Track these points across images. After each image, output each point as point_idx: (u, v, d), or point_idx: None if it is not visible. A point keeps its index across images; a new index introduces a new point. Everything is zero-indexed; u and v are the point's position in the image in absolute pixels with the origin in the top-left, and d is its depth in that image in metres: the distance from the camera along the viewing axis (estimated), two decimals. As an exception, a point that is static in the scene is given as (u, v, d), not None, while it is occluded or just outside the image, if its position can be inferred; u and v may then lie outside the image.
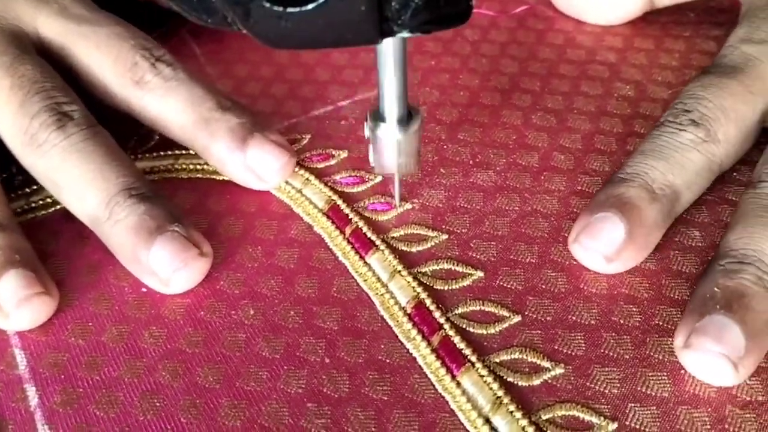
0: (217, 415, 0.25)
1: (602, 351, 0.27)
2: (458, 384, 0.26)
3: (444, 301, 0.28)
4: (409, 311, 0.28)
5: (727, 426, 0.25)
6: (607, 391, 0.26)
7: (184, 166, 0.34)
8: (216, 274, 0.30)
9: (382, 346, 0.27)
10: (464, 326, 0.27)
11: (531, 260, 0.29)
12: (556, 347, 0.27)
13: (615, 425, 0.25)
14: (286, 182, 0.33)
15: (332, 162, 0.34)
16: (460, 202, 0.32)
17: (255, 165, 0.31)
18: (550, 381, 0.26)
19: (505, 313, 0.28)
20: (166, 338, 0.28)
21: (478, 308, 0.28)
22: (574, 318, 0.28)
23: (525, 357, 0.26)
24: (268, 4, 0.21)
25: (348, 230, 0.31)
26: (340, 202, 0.32)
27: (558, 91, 0.37)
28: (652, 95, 0.37)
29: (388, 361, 0.27)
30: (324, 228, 0.31)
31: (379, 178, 0.33)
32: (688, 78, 0.37)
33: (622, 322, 0.27)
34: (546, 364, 0.26)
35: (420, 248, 0.30)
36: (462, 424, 0.25)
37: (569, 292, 0.28)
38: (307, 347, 0.27)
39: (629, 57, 0.39)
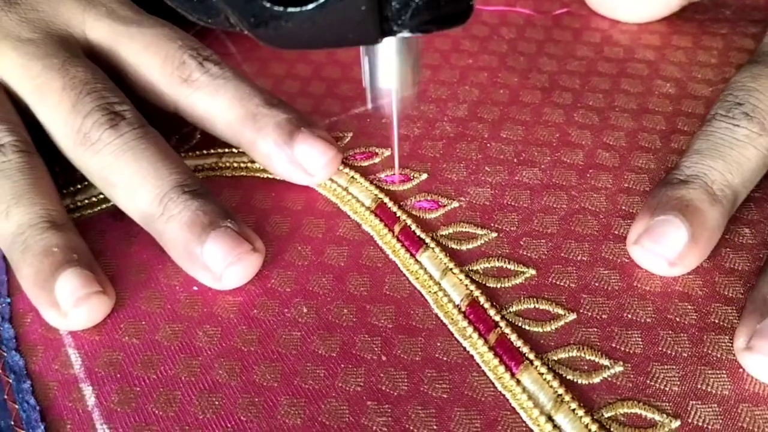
0: (277, 413, 0.25)
1: (660, 349, 0.27)
2: (518, 382, 0.26)
3: (498, 299, 0.28)
4: (463, 309, 0.28)
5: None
6: (667, 389, 0.25)
7: (228, 164, 0.34)
8: (266, 272, 0.30)
9: (439, 344, 0.27)
10: (520, 324, 0.27)
11: (583, 258, 0.29)
12: (613, 345, 0.27)
13: (678, 423, 0.25)
14: (332, 180, 0.33)
15: (376, 160, 0.34)
16: (507, 200, 0.32)
17: (302, 160, 0.31)
18: (609, 379, 0.26)
19: (560, 311, 0.28)
20: (221, 336, 0.28)
21: (532, 306, 0.28)
22: (629, 316, 0.28)
23: (583, 355, 0.26)
24: (268, 4, 0.21)
25: (397, 228, 0.31)
26: (386, 200, 0.32)
27: (598, 88, 0.37)
28: (693, 92, 0.37)
29: (445, 359, 0.27)
30: (372, 226, 0.31)
31: (424, 176, 0.33)
32: (729, 75, 0.37)
33: (678, 320, 0.27)
34: (605, 362, 0.26)
35: (470, 246, 0.30)
36: (524, 422, 0.25)
37: (623, 289, 0.28)
38: (362, 345, 0.27)
39: (668, 55, 0.39)
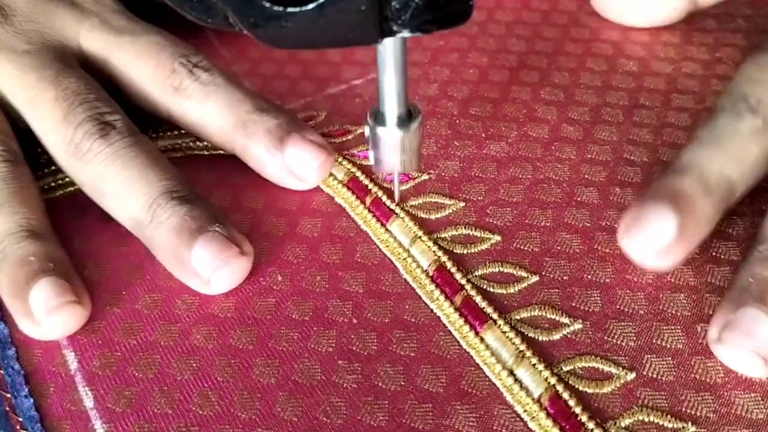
0: (252, 373, 0.27)
1: (618, 307, 0.28)
2: (482, 340, 0.27)
3: (464, 264, 0.29)
4: (431, 274, 0.29)
5: (739, 373, 0.26)
6: (623, 344, 0.27)
7: (205, 144, 0.35)
8: (243, 243, 0.31)
9: (407, 307, 0.28)
10: (485, 287, 0.29)
11: (546, 224, 0.31)
12: (573, 304, 0.28)
13: (633, 375, 0.26)
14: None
15: (350, 137, 0.35)
16: (474, 171, 0.33)
17: (293, 164, 0.32)
18: (569, 335, 0.27)
19: (524, 274, 0.29)
20: (199, 304, 0.29)
21: (497, 270, 0.29)
22: (589, 277, 0.29)
23: (544, 314, 0.28)
24: (268, 4, 0.21)
25: (368, 200, 0.32)
26: (359, 173, 0.33)
27: (565, 67, 0.38)
28: (655, 70, 0.38)
29: (413, 320, 0.28)
30: (345, 198, 0.32)
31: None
32: (690, 54, 0.39)
33: (635, 279, 0.29)
34: (564, 320, 0.28)
35: (438, 215, 0.31)
36: (487, 377, 0.26)
37: (584, 252, 0.30)
38: (334, 309, 0.28)
39: (631, 35, 0.40)
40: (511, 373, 0.26)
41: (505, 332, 0.27)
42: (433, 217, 0.31)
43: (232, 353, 0.27)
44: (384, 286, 0.29)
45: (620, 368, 0.26)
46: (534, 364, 0.26)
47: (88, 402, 0.26)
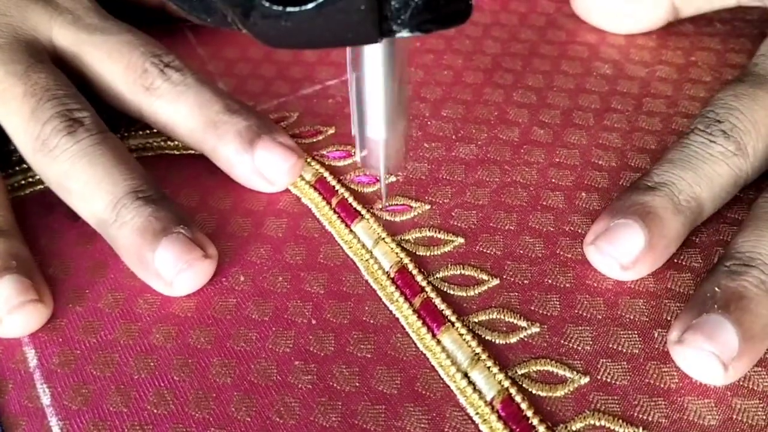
0: (209, 373, 0.27)
1: (576, 311, 0.28)
2: (438, 342, 0.27)
3: (426, 266, 0.29)
4: (392, 275, 0.29)
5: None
6: (580, 348, 0.27)
7: (176, 143, 0.35)
8: (207, 243, 0.31)
9: (367, 308, 0.28)
10: (445, 289, 0.29)
11: (510, 227, 0.31)
12: (532, 308, 0.28)
13: (587, 379, 0.26)
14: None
15: (320, 138, 0.35)
16: (442, 174, 0.33)
17: (263, 166, 0.32)
18: (526, 339, 0.27)
19: (485, 277, 0.29)
20: (160, 304, 0.29)
21: (458, 272, 0.29)
22: (550, 281, 0.29)
23: (502, 317, 0.28)
24: (267, 4, 0.21)
25: (334, 201, 0.32)
26: (326, 174, 0.33)
27: (539, 70, 0.38)
28: (629, 73, 0.38)
29: (372, 321, 0.28)
30: (311, 199, 0.32)
31: (364, 152, 0.34)
32: (665, 58, 0.38)
33: (595, 284, 0.29)
34: (522, 323, 0.28)
35: (404, 218, 0.31)
36: (442, 379, 0.26)
37: (546, 257, 0.30)
38: (294, 310, 0.28)
39: (607, 38, 0.40)
40: (466, 375, 0.26)
41: (462, 335, 0.27)
42: (398, 219, 0.31)
43: (189, 353, 0.27)
44: (345, 287, 0.29)
45: (575, 372, 0.26)
46: (489, 367, 0.26)
47: (45, 399, 0.26)
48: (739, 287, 0.26)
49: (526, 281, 0.29)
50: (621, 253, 0.28)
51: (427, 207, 0.32)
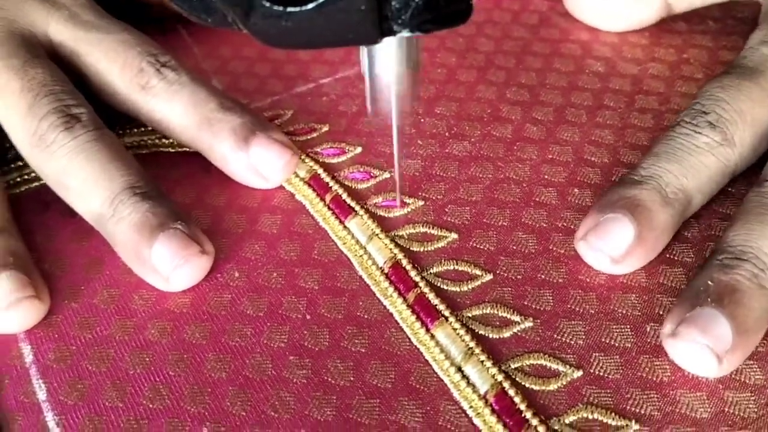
0: (204, 368, 0.27)
1: (569, 306, 0.28)
2: (432, 336, 0.27)
3: (420, 262, 0.30)
4: (386, 271, 0.29)
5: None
6: (572, 342, 0.27)
7: (171, 141, 0.35)
8: (202, 240, 0.31)
9: (361, 303, 0.29)
10: (438, 284, 0.29)
11: (503, 223, 0.31)
12: (525, 303, 0.28)
13: (580, 373, 0.26)
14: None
15: (314, 135, 0.35)
16: (436, 170, 0.33)
17: (258, 163, 0.32)
18: (519, 333, 0.27)
19: (478, 272, 0.29)
20: (155, 300, 0.29)
21: (452, 268, 0.29)
22: (543, 276, 0.29)
23: (496, 312, 0.28)
24: (268, 4, 0.21)
25: (328, 197, 0.32)
26: (321, 171, 0.33)
27: (532, 67, 0.39)
28: (621, 71, 0.38)
29: (366, 316, 0.28)
30: (305, 196, 0.32)
31: (359, 149, 0.34)
32: (658, 55, 0.39)
33: (588, 280, 0.29)
34: (516, 318, 0.28)
35: (397, 213, 0.32)
36: (436, 373, 0.26)
37: (539, 252, 0.30)
38: (289, 305, 0.29)
39: (600, 36, 0.40)
40: (459, 369, 0.26)
41: (456, 329, 0.27)
42: (391, 215, 0.32)
43: (185, 348, 0.27)
44: (339, 283, 0.29)
45: (567, 366, 0.26)
46: (482, 361, 0.26)
47: (41, 394, 0.27)
48: (732, 281, 0.26)
49: (519, 276, 0.29)
50: (611, 247, 0.28)
51: (421, 203, 0.32)
